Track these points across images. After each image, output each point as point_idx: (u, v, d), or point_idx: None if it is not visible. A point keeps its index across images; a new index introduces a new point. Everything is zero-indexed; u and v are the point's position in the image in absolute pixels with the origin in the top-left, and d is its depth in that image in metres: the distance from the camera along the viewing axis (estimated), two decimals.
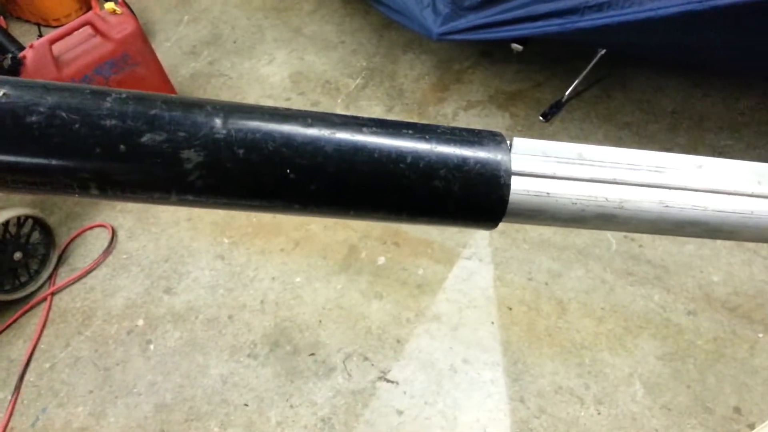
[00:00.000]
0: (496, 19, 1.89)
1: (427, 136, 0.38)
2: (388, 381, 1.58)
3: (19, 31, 3.34)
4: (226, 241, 1.97)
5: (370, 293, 1.77)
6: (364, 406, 1.54)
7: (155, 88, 2.46)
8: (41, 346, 1.79)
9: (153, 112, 0.33)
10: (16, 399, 1.67)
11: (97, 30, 2.29)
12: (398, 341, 1.66)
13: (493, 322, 1.65)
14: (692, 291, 1.64)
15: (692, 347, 1.54)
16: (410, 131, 0.38)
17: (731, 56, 2.06)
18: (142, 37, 2.39)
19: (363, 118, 0.39)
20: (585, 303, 1.65)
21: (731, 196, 0.39)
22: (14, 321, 1.85)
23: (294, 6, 3.00)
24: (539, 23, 1.83)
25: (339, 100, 2.47)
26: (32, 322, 1.85)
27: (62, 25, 3.27)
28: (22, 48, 2.47)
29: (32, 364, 1.75)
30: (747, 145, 2.02)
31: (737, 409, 1.43)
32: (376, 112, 2.38)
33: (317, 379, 1.61)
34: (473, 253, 1.84)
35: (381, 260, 1.85)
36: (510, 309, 1.67)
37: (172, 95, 0.37)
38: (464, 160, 0.37)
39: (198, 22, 3.08)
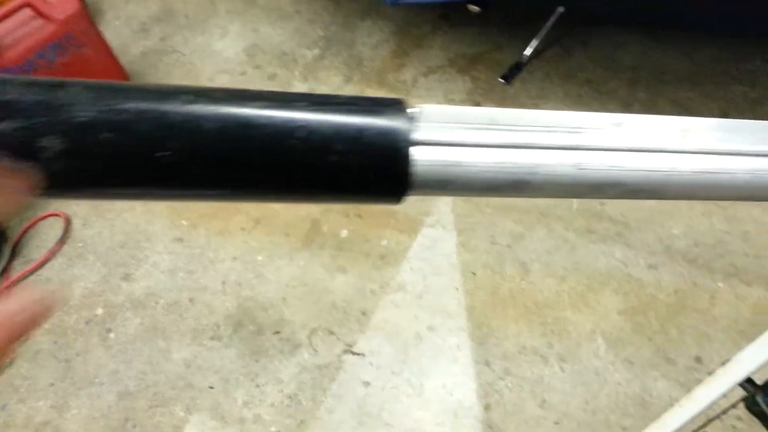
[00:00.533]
0: None
1: (321, 108, 0.34)
2: (354, 353, 1.56)
3: None
4: (184, 223, 1.93)
5: (334, 267, 1.75)
6: (330, 380, 1.53)
7: (103, 70, 2.37)
8: None
9: (8, 97, 0.29)
10: None
11: (37, 11, 2.18)
12: (363, 313, 1.64)
13: (457, 288, 1.64)
14: (653, 245, 1.64)
15: (654, 301, 1.54)
16: (304, 103, 0.34)
17: (688, 13, 2.04)
18: (85, 16, 2.29)
19: (253, 92, 0.35)
20: (547, 263, 1.64)
21: (652, 154, 0.36)
22: None
23: None
24: None
25: (296, 72, 2.41)
26: None
27: (1, 7, 3.14)
28: None
29: None
30: (706, 97, 2.01)
31: (698, 359, 1.44)
32: (335, 82, 2.33)
33: (283, 357, 1.59)
34: (436, 221, 1.82)
35: (344, 233, 1.83)
36: (474, 274, 1.66)
37: (38, 78, 0.33)
38: (360, 131, 0.34)
39: None
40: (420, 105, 0.36)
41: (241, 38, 2.62)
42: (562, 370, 1.46)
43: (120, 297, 1.79)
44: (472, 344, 1.52)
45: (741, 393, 0.87)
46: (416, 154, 0.34)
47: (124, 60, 2.53)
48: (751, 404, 0.84)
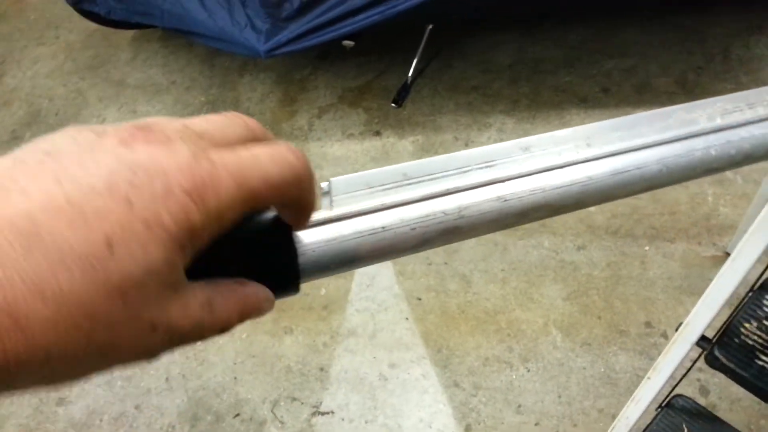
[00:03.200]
0: (317, 23, 1.86)
1: None
2: (322, 414, 1.51)
3: None
4: None
5: (279, 330, 1.69)
6: None
7: None
8: None
9: None
10: None
11: None
12: (321, 369, 1.59)
13: (407, 318, 1.63)
14: (576, 227, 1.72)
15: (591, 279, 1.60)
16: None
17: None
18: None
19: None
20: (485, 270, 1.67)
21: (565, 169, 0.36)
22: None
23: (110, 59, 2.80)
24: (359, 17, 1.82)
25: None
26: None
27: None
28: None
29: None
30: (585, 77, 2.14)
31: (648, 324, 1.50)
32: None
33: None
34: None
35: None
36: (419, 299, 1.66)
37: None
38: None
39: (11, 105, 2.79)
40: (329, 179, 0.34)
41: (119, 122, 2.51)
42: (528, 370, 1.47)
43: (59, 425, 1.64)
44: (437, 369, 1.51)
45: (698, 351, 0.91)
46: (334, 230, 0.32)
47: None
48: (710, 360, 0.88)
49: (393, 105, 2.24)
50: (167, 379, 1.66)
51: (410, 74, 2.27)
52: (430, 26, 2.25)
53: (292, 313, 1.71)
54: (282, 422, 1.51)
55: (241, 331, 1.70)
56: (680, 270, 1.57)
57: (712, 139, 0.39)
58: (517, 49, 2.25)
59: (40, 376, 0.20)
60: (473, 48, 2.33)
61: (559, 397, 1.43)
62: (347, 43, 2.18)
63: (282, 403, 1.55)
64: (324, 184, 0.35)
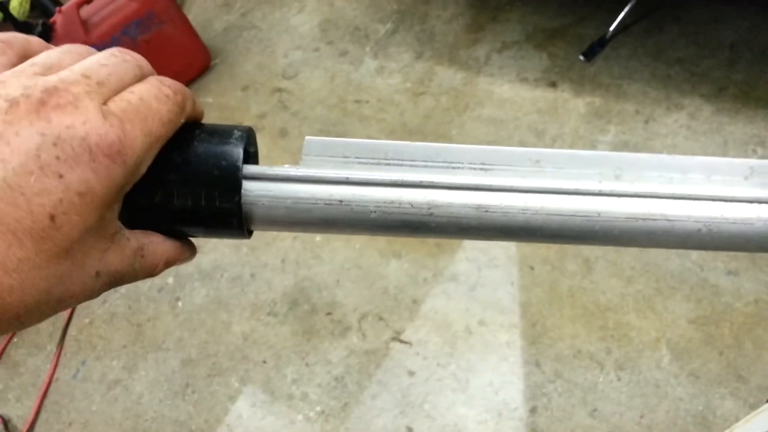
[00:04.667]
0: None
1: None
2: (401, 342, 1.55)
3: None
4: None
5: (389, 252, 1.73)
6: (376, 366, 1.53)
7: (183, 46, 2.45)
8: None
9: None
10: (60, 352, 1.79)
11: None
12: (414, 302, 1.62)
13: (513, 283, 1.58)
14: None
15: (729, 310, 1.40)
16: None
17: None
18: None
19: None
20: (614, 261, 1.53)
21: (574, 197, 0.31)
22: None
23: None
24: None
25: (367, 48, 2.37)
26: None
27: None
28: None
29: (74, 320, 1.86)
30: None
31: None
32: (405, 59, 2.27)
33: (333, 339, 1.61)
34: None
35: None
36: (532, 268, 1.59)
37: None
38: (191, 162, 0.31)
39: None
40: (307, 137, 0.32)
41: (316, 12, 2.61)
42: (619, 378, 1.37)
43: (189, 267, 1.88)
44: (524, 343, 1.46)
45: None
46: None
47: (206, 36, 2.60)
48: None
49: (582, 57, 2.05)
50: (283, 261, 1.81)
51: (612, 28, 2.04)
52: None
53: (406, 241, 1.74)
54: (364, 335, 1.59)
55: (357, 241, 1.78)
56: None
57: None
58: (747, 28, 1.90)
59: (12, 328, 0.24)
60: (694, 15, 2.02)
61: (642, 417, 1.32)
62: None
63: (369, 319, 1.62)
64: (305, 140, 0.33)
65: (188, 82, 2.52)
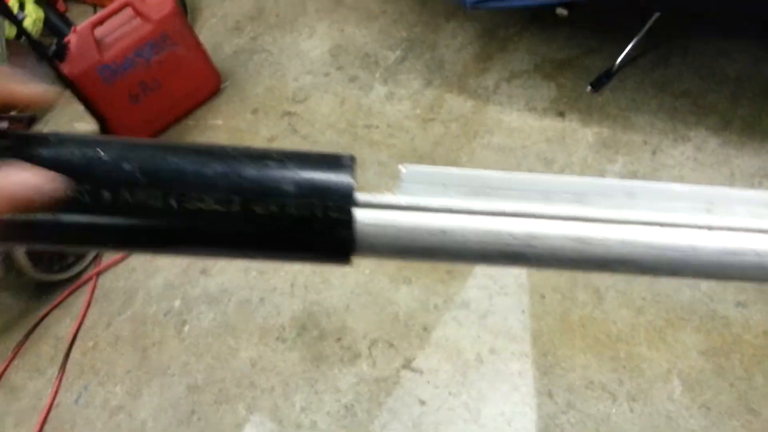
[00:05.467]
0: None
1: (254, 162, 0.32)
2: (412, 370, 1.55)
3: (76, 11, 3.45)
4: None
5: (399, 278, 1.73)
6: (387, 394, 1.52)
7: (195, 68, 2.48)
8: (86, 324, 1.88)
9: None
10: (62, 376, 1.77)
11: (136, 11, 2.31)
12: (425, 329, 1.62)
13: (524, 311, 1.58)
14: None
15: (739, 342, 1.41)
16: (237, 157, 0.33)
17: None
18: (180, 16, 2.40)
19: (180, 146, 0.34)
20: (624, 292, 1.54)
21: (668, 229, 0.31)
22: (62, 300, 1.95)
23: None
24: None
25: (377, 75, 2.40)
26: (79, 300, 1.94)
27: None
28: None
29: (77, 342, 1.85)
30: None
31: None
32: (414, 86, 2.30)
33: (342, 366, 1.60)
34: None
35: None
36: (543, 297, 1.59)
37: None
38: (287, 190, 0.32)
39: None
40: (404, 164, 0.33)
41: (327, 38, 2.64)
42: (632, 410, 1.37)
43: (197, 290, 1.88)
44: (536, 372, 1.46)
45: None
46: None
47: (217, 59, 2.63)
48: None
49: (589, 88, 2.08)
50: (292, 285, 1.81)
51: (619, 60, 2.08)
52: (658, 14, 2.01)
53: (416, 267, 1.74)
54: (374, 362, 1.58)
55: (366, 266, 1.78)
56: None
57: None
58: (749, 64, 1.94)
59: None
60: (698, 50, 2.05)
61: None
62: (561, 11, 2.04)
63: (380, 345, 1.61)
64: (400, 167, 0.34)
65: (199, 104, 2.54)
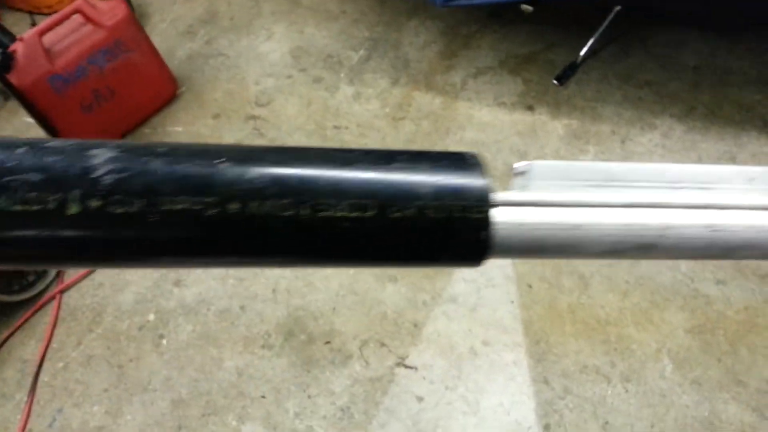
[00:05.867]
0: None
1: (383, 165, 0.31)
2: (406, 367, 1.53)
3: (11, 20, 3.27)
4: None
5: (384, 277, 1.71)
6: (383, 393, 1.50)
7: (151, 74, 2.39)
8: (53, 345, 1.77)
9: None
10: (32, 400, 1.66)
11: (87, 18, 2.20)
12: (415, 325, 1.60)
13: (512, 301, 1.59)
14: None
15: (722, 318, 1.46)
16: (364, 161, 0.31)
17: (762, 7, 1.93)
18: (134, 22, 2.31)
19: (310, 150, 0.32)
20: (608, 277, 1.57)
21: None
22: (25, 321, 1.83)
23: None
24: None
25: (342, 75, 2.38)
26: (43, 321, 1.83)
27: (54, 13, 3.20)
28: (15, 40, 2.40)
29: (45, 364, 1.74)
30: None
31: None
32: (381, 85, 2.29)
33: (334, 368, 1.57)
34: None
35: None
36: (530, 287, 1.61)
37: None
38: (424, 193, 0.30)
39: (193, 1, 2.98)
40: (528, 162, 0.32)
41: (286, 40, 2.60)
42: (626, 390, 1.39)
43: (172, 303, 1.80)
44: (530, 361, 1.47)
45: None
46: (520, 215, 0.30)
47: (171, 64, 2.54)
48: None
49: (555, 82, 2.13)
50: (274, 291, 1.76)
51: (582, 53, 2.13)
52: (618, 7, 2.08)
53: None
54: (367, 362, 1.56)
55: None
56: None
57: None
58: (707, 52, 2.03)
59: None
60: (657, 41, 2.14)
61: (652, 426, 1.34)
62: (526, 7, 2.08)
63: (371, 345, 1.59)
64: (522, 164, 0.33)
65: (155, 111, 2.45)
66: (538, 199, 0.30)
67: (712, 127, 1.84)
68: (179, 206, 0.27)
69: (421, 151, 0.31)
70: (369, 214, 0.29)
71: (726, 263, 1.55)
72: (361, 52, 2.46)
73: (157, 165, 0.28)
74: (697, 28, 2.11)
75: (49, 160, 0.27)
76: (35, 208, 0.26)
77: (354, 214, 0.28)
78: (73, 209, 0.26)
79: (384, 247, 0.30)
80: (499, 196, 0.30)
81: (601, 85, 2.07)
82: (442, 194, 0.29)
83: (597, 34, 2.10)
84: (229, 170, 0.28)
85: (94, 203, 0.27)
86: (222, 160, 0.29)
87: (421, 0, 2.47)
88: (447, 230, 0.29)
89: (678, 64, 2.03)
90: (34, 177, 0.27)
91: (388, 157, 0.31)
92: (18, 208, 0.26)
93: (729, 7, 1.97)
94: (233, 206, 0.28)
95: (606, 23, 2.09)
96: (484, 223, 0.29)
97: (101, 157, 0.28)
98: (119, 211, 0.27)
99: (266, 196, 0.28)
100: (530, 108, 2.07)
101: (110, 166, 0.27)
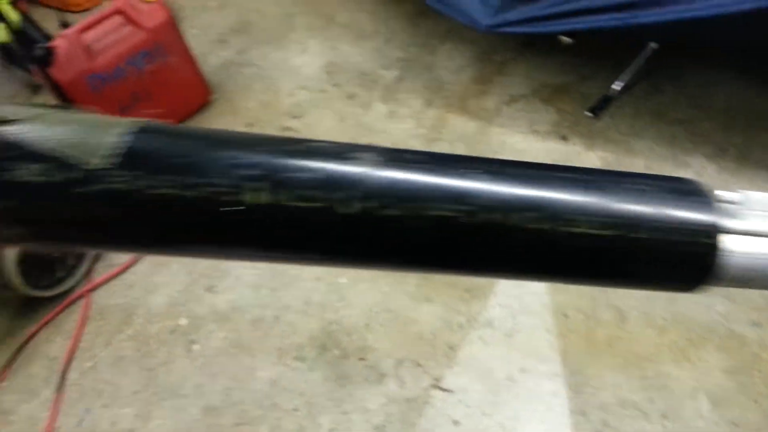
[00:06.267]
0: (551, 12, 1.81)
1: (600, 186, 0.32)
2: (442, 389, 1.53)
3: (38, 15, 3.27)
4: None
5: (419, 296, 1.72)
6: (418, 414, 1.50)
7: (187, 79, 2.40)
8: (81, 344, 1.75)
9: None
10: (60, 398, 1.64)
11: (128, 19, 2.22)
12: (450, 348, 1.61)
13: (549, 330, 1.60)
14: (756, 300, 1.59)
15: (758, 360, 1.48)
16: (599, 181, 0.32)
17: None
18: (174, 26, 2.32)
19: (511, 163, 0.33)
20: (646, 312, 1.59)
21: None
22: (53, 318, 1.81)
23: None
24: (597, 17, 1.75)
25: (376, 93, 2.40)
26: (71, 319, 1.81)
27: (83, 11, 3.21)
28: (48, 36, 2.41)
29: (73, 363, 1.72)
30: None
31: None
32: (415, 105, 2.31)
33: (369, 385, 1.57)
34: None
35: None
36: (566, 316, 1.62)
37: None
38: (656, 216, 0.32)
39: (224, 9, 3.00)
40: (739, 191, 0.33)
41: (320, 55, 2.63)
42: (665, 428, 1.41)
43: (204, 308, 1.79)
44: (569, 392, 1.48)
45: None
46: (727, 243, 0.31)
47: (204, 70, 2.55)
48: None
49: (588, 114, 2.17)
50: (306, 303, 1.76)
51: (616, 87, 2.17)
52: (653, 44, 2.13)
53: (435, 285, 1.74)
54: (402, 382, 1.56)
55: (384, 283, 1.76)
56: None
57: None
58: (738, 93, 2.08)
59: None
60: (689, 79, 2.18)
61: None
62: (565, 39, 2.12)
63: (406, 364, 1.59)
64: (731, 194, 0.34)
65: (189, 116, 2.46)
66: (764, 229, 0.31)
67: (743, 170, 1.87)
68: (437, 213, 0.29)
69: (643, 173, 0.33)
70: (608, 233, 0.30)
71: (763, 306, 1.57)
72: (395, 71, 2.49)
73: (417, 173, 0.30)
74: (728, 69, 2.16)
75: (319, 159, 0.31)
76: (317, 205, 0.29)
77: (596, 232, 0.30)
78: (354, 208, 0.29)
79: (615, 267, 0.32)
80: (729, 223, 0.31)
81: (635, 120, 2.10)
82: (674, 218, 0.31)
83: (630, 70, 2.14)
84: (485, 183, 0.30)
85: (369, 204, 0.29)
86: (479, 171, 0.31)
87: (455, 22, 2.50)
88: (669, 254, 0.31)
89: (710, 105, 2.07)
90: (310, 175, 0.29)
91: (617, 179, 0.32)
92: (301, 204, 0.29)
93: (764, 52, 2.01)
94: (494, 216, 0.30)
95: (640, 60, 2.13)
96: (712, 249, 0.30)
97: (368, 161, 0.31)
98: (390, 213, 0.29)
99: (520, 209, 0.30)
100: (564, 138, 2.11)
101: (380, 173, 0.29)
